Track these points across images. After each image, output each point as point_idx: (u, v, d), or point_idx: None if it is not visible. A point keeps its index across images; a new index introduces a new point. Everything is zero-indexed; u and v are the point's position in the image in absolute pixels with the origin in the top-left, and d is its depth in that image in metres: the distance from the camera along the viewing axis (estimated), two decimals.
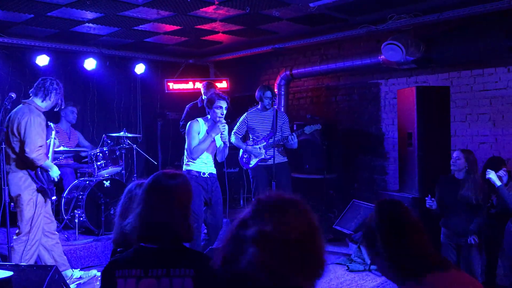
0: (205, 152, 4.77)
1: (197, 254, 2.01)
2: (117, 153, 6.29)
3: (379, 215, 1.78)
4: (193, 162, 4.79)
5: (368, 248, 1.80)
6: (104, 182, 5.89)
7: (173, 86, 8.40)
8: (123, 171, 6.49)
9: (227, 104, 4.76)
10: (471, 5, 5.48)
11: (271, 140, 5.67)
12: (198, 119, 4.85)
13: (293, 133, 5.61)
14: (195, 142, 4.71)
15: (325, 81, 7.81)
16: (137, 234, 1.97)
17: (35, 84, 4.50)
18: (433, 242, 4.20)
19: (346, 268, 5.10)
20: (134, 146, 6.62)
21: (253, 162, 5.80)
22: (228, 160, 7.67)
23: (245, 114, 5.94)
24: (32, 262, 4.31)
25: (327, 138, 7.00)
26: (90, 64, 7.38)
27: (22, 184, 4.30)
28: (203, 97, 6.88)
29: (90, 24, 6.25)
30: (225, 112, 4.74)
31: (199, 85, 8.25)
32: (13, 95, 4.40)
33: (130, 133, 6.76)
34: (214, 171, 4.96)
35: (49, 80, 4.48)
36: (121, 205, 2.38)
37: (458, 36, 5.84)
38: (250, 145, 5.83)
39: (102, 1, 5.26)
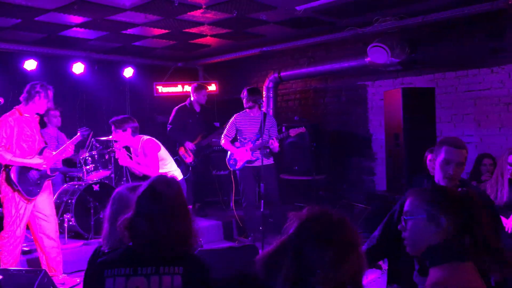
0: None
1: (185, 252, 2.04)
2: (106, 157, 6.29)
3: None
4: None
5: None
6: (93, 186, 5.90)
7: (162, 89, 8.42)
8: (113, 175, 6.49)
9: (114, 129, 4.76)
10: (455, 8, 5.57)
11: (257, 142, 5.73)
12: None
13: (273, 137, 5.67)
14: None
15: (313, 83, 7.88)
16: (129, 241, 1.99)
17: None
18: None
19: None
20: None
21: (240, 163, 5.87)
22: (218, 163, 7.74)
23: (234, 116, 5.99)
24: (11, 260, 4.31)
25: (316, 140, 7.07)
26: (78, 68, 7.37)
27: (1, 184, 4.36)
28: (193, 99, 6.91)
29: (78, 29, 6.25)
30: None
31: (188, 88, 8.27)
32: (1, 100, 4.40)
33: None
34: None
35: (31, 84, 4.52)
36: (111, 211, 2.32)
37: (443, 38, 5.93)
38: (237, 147, 5.89)
39: (89, 6, 5.27)
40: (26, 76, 7.02)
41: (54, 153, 4.62)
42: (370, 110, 7.18)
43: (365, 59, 6.41)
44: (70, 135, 7.06)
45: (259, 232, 5.53)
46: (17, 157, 4.31)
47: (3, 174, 4.36)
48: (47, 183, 4.61)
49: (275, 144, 5.60)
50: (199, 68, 9.20)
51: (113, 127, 4.69)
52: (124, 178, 6.75)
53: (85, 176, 6.00)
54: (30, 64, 6.88)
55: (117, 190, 2.38)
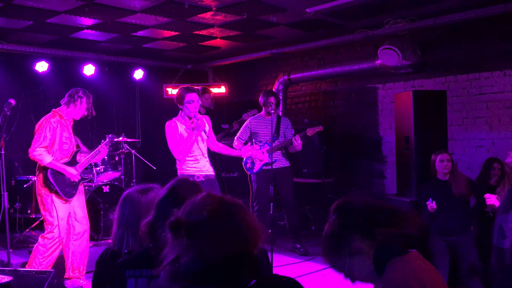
0: (197, 153, 4.58)
1: None
2: (116, 158, 6.32)
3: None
4: (186, 166, 4.59)
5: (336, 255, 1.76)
6: (103, 187, 5.92)
7: (172, 91, 8.42)
8: (122, 176, 6.51)
9: (198, 96, 4.53)
10: (467, 10, 5.53)
11: (274, 144, 5.69)
12: (174, 120, 4.62)
13: (296, 135, 5.60)
14: (176, 142, 4.49)
15: (323, 86, 7.85)
16: (149, 243, 1.98)
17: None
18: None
19: None
20: (133, 151, 6.64)
21: (257, 166, 5.82)
22: (227, 165, 7.74)
23: (249, 119, 5.98)
24: (47, 260, 4.39)
25: (325, 143, 7.03)
26: (89, 70, 7.42)
27: (39, 186, 4.45)
28: None
29: (89, 31, 6.29)
30: (198, 105, 4.51)
31: None
32: (12, 101, 4.43)
33: (129, 138, 6.78)
34: (210, 172, 4.69)
35: (74, 89, 4.60)
36: (121, 215, 2.27)
37: (454, 40, 5.89)
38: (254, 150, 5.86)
39: (100, 8, 5.30)
40: (38, 78, 7.10)
41: (85, 158, 4.68)
42: (380, 113, 7.14)
43: (376, 62, 6.37)
44: (79, 136, 7.12)
45: (268, 235, 5.50)
46: (56, 160, 4.42)
47: (41, 176, 4.43)
48: (81, 186, 4.68)
49: (298, 141, 5.51)
50: (209, 70, 9.22)
51: (190, 94, 4.53)
52: (134, 180, 6.76)
53: (95, 178, 6.03)
54: (42, 66, 6.93)
55: (126, 192, 2.33)
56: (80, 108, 4.54)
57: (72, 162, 4.54)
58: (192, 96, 4.43)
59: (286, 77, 7.70)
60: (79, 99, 4.51)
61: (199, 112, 6.84)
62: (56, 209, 4.39)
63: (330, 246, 1.78)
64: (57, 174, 4.40)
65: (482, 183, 4.92)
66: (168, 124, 4.57)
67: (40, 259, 4.36)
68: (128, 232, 2.21)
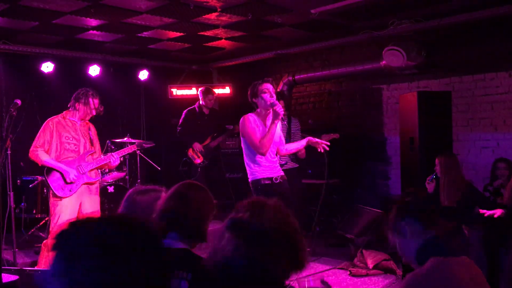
0: (274, 152, 4.22)
1: (198, 259, 2.04)
2: (121, 159, 6.33)
3: None
4: (261, 168, 4.12)
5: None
6: (108, 187, 5.94)
7: (177, 92, 8.45)
8: (127, 177, 6.53)
9: (272, 86, 4.20)
10: (472, 11, 5.52)
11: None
12: (251, 113, 4.26)
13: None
14: (258, 134, 4.05)
15: (328, 87, 7.84)
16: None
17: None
18: None
19: (349, 272, 5.11)
20: (138, 151, 6.66)
21: None
22: (231, 166, 7.75)
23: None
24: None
25: (330, 143, 7.01)
26: (94, 70, 7.45)
27: (46, 190, 4.70)
28: (201, 102, 6.94)
29: (94, 31, 6.32)
30: (274, 95, 4.15)
31: None
32: (18, 102, 4.46)
33: (134, 138, 6.79)
34: (282, 172, 4.33)
35: (77, 91, 4.69)
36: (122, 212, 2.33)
37: (459, 41, 5.88)
38: None
39: (106, 9, 5.32)
40: (44, 79, 7.13)
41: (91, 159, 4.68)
42: (385, 113, 7.13)
43: (381, 63, 6.37)
44: None
45: None
46: (58, 158, 4.48)
47: (44, 179, 4.52)
48: (94, 188, 4.66)
49: (302, 151, 5.40)
50: (213, 71, 9.23)
51: (265, 84, 4.24)
52: (139, 180, 6.78)
53: (100, 178, 6.05)
54: (48, 67, 6.96)
55: (128, 192, 2.39)
56: (79, 108, 4.59)
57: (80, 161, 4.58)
58: (266, 86, 4.17)
59: (290, 78, 7.71)
60: (77, 101, 4.59)
61: (203, 112, 6.92)
62: (54, 207, 4.39)
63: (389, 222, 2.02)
64: (53, 172, 4.42)
65: (490, 185, 4.93)
66: (245, 117, 4.18)
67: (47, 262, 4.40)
68: None
